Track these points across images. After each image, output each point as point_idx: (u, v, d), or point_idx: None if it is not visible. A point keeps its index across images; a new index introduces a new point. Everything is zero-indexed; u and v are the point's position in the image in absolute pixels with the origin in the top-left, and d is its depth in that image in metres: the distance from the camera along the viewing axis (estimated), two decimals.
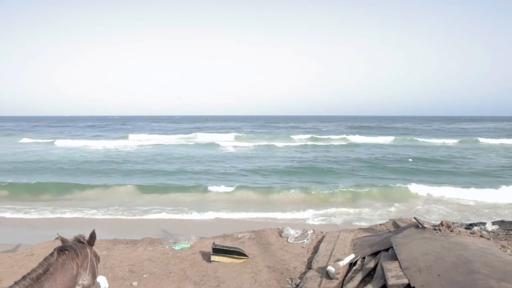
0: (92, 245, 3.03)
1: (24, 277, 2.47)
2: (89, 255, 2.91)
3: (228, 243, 7.32)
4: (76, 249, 2.80)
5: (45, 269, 2.54)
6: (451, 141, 37.88)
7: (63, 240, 2.93)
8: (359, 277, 5.27)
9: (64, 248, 2.74)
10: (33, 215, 11.84)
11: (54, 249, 2.71)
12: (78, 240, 2.94)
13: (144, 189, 15.59)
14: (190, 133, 53.59)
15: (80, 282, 2.78)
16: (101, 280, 3.28)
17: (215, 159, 25.57)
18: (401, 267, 5.03)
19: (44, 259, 2.62)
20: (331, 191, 14.77)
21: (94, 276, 2.94)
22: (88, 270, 2.85)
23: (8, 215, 11.78)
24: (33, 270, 2.52)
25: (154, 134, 52.01)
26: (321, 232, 7.99)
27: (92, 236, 3.02)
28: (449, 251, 5.18)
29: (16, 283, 2.43)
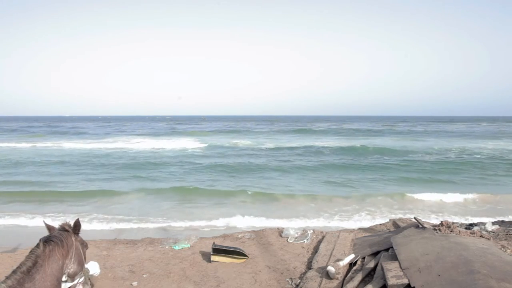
0: (77, 233, 3.03)
1: (14, 271, 2.46)
2: (74, 243, 2.90)
3: (228, 243, 7.32)
4: (62, 239, 2.80)
5: (34, 261, 2.53)
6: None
7: (50, 228, 2.94)
8: (359, 277, 5.27)
9: (49, 239, 2.74)
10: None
11: (40, 240, 2.70)
12: (63, 228, 2.93)
13: None
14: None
15: (65, 271, 2.79)
16: (93, 266, 3.23)
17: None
18: (401, 267, 5.03)
19: (31, 251, 2.61)
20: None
21: (80, 264, 2.94)
22: (73, 259, 2.85)
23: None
24: (23, 264, 2.51)
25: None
26: (321, 232, 7.99)
27: (76, 224, 3.02)
28: (449, 251, 5.18)
29: (7, 277, 2.42)
